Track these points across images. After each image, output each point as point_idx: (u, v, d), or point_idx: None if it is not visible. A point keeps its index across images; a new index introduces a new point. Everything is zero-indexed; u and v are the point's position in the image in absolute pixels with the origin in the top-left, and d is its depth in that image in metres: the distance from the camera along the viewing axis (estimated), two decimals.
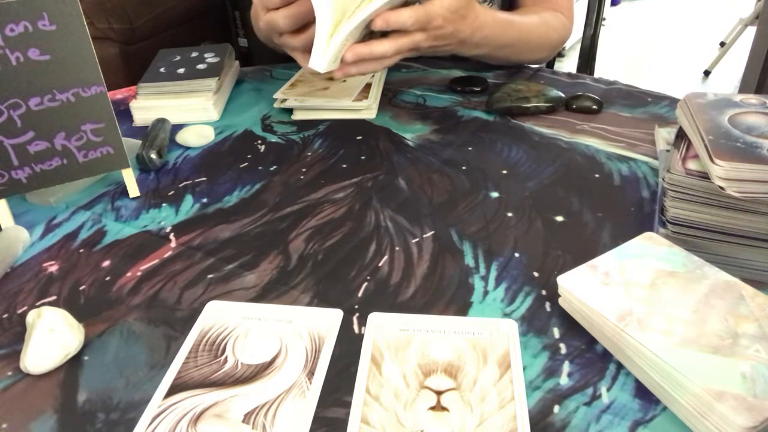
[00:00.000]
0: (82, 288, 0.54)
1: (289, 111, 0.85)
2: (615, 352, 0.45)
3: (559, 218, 0.61)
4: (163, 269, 0.56)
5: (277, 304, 0.51)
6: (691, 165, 0.52)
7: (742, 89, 2.09)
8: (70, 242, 0.61)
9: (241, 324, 0.49)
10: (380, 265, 0.56)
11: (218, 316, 0.50)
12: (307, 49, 0.71)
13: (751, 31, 2.25)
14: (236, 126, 0.83)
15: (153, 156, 0.72)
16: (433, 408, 0.41)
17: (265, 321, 0.49)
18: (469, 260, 0.56)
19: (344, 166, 0.72)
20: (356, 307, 0.51)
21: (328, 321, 0.49)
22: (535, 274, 0.54)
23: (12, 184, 0.62)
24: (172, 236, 0.61)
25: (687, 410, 0.40)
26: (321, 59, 0.65)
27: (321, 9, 0.62)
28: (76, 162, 0.64)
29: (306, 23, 0.71)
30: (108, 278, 0.55)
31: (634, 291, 0.45)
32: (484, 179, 0.68)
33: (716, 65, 3.12)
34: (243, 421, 0.41)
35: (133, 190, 0.68)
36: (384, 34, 0.71)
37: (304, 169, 0.71)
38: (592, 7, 1.22)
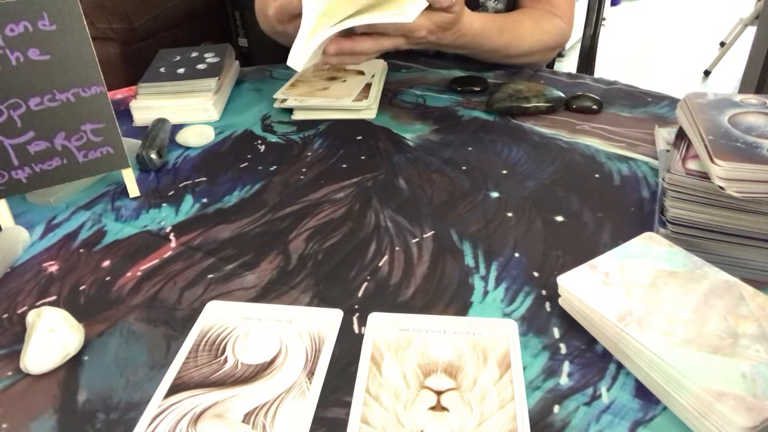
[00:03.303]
0: (82, 288, 0.54)
1: (289, 111, 0.85)
2: (615, 352, 0.45)
3: (559, 218, 0.61)
4: (163, 269, 0.56)
5: (277, 304, 0.51)
6: (691, 165, 0.52)
7: (742, 89, 2.09)
8: (70, 242, 0.61)
9: (241, 324, 0.49)
10: (380, 265, 0.56)
11: (218, 316, 0.50)
12: None
13: (751, 31, 2.25)
14: (236, 126, 0.83)
15: (153, 156, 0.72)
16: (433, 408, 0.41)
17: (265, 321, 0.49)
18: (469, 260, 0.56)
19: (344, 166, 0.72)
20: (356, 307, 0.51)
21: (328, 321, 0.49)
22: (535, 274, 0.54)
23: (12, 184, 0.62)
24: (172, 236, 0.61)
25: (687, 410, 0.40)
26: (298, 58, 0.66)
27: (308, 9, 0.63)
28: (76, 162, 0.64)
29: None
30: (108, 278, 0.55)
31: (634, 291, 0.45)
32: (484, 179, 0.68)
33: (716, 65, 3.12)
34: (243, 421, 0.41)
35: (133, 190, 0.68)
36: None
37: (304, 169, 0.71)
38: (592, 7, 1.22)
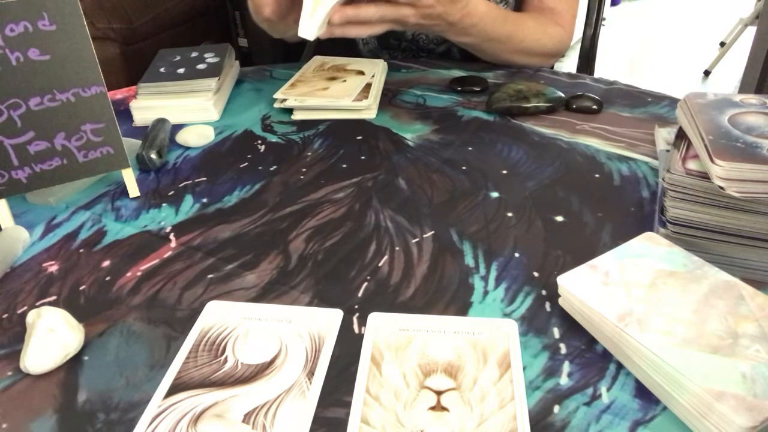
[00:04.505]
0: (82, 288, 0.54)
1: (289, 111, 0.85)
2: (615, 352, 0.45)
3: (559, 218, 0.61)
4: (163, 269, 0.56)
5: (277, 304, 0.51)
6: (691, 165, 0.52)
7: (742, 89, 2.09)
8: (70, 242, 0.61)
9: (241, 324, 0.49)
10: (380, 265, 0.56)
11: (218, 316, 0.50)
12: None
13: (751, 31, 2.25)
14: (236, 126, 0.83)
15: (153, 156, 0.72)
16: (433, 408, 0.41)
17: (265, 321, 0.49)
18: (469, 260, 0.56)
19: (344, 166, 0.72)
20: (356, 307, 0.51)
21: (328, 321, 0.49)
22: (535, 274, 0.54)
23: (12, 184, 0.62)
24: (172, 236, 0.61)
25: (687, 410, 0.40)
26: (308, 26, 0.67)
27: None
28: (76, 162, 0.64)
29: None
30: (108, 278, 0.55)
31: (634, 291, 0.45)
32: (484, 179, 0.68)
33: (716, 65, 3.12)
34: (243, 421, 0.41)
35: (133, 190, 0.68)
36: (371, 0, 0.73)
37: (304, 169, 0.71)
38: (592, 7, 1.22)
